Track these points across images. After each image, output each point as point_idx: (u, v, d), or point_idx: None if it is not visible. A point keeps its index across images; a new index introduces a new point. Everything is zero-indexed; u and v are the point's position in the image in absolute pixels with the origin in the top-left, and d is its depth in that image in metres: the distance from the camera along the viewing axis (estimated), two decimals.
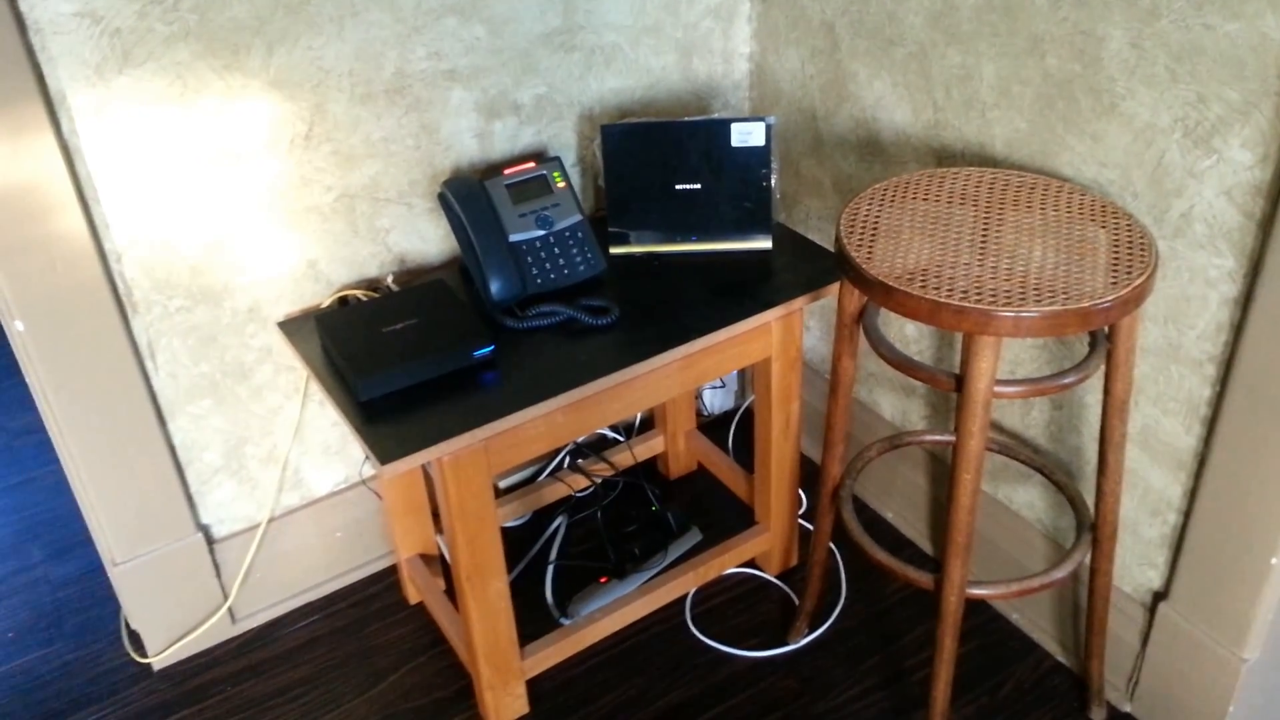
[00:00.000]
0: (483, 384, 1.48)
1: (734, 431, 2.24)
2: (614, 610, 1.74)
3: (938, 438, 1.67)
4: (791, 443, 1.78)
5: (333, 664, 1.78)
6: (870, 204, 1.44)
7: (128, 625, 1.85)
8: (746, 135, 1.66)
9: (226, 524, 1.79)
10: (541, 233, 1.65)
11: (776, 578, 1.90)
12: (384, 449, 1.36)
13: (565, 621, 1.80)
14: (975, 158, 1.61)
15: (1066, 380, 1.36)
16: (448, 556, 1.85)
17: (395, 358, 1.46)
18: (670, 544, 1.93)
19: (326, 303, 1.68)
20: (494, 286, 1.59)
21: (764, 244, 1.72)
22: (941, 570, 1.42)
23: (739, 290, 1.63)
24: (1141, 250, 1.31)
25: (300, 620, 1.86)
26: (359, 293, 1.68)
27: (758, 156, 1.67)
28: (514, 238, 1.63)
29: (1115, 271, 1.28)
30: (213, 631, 1.82)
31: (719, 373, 1.63)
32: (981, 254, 1.33)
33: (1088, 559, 1.60)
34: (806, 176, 1.94)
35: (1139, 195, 1.41)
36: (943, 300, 1.25)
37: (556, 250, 1.65)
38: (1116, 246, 1.32)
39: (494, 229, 1.61)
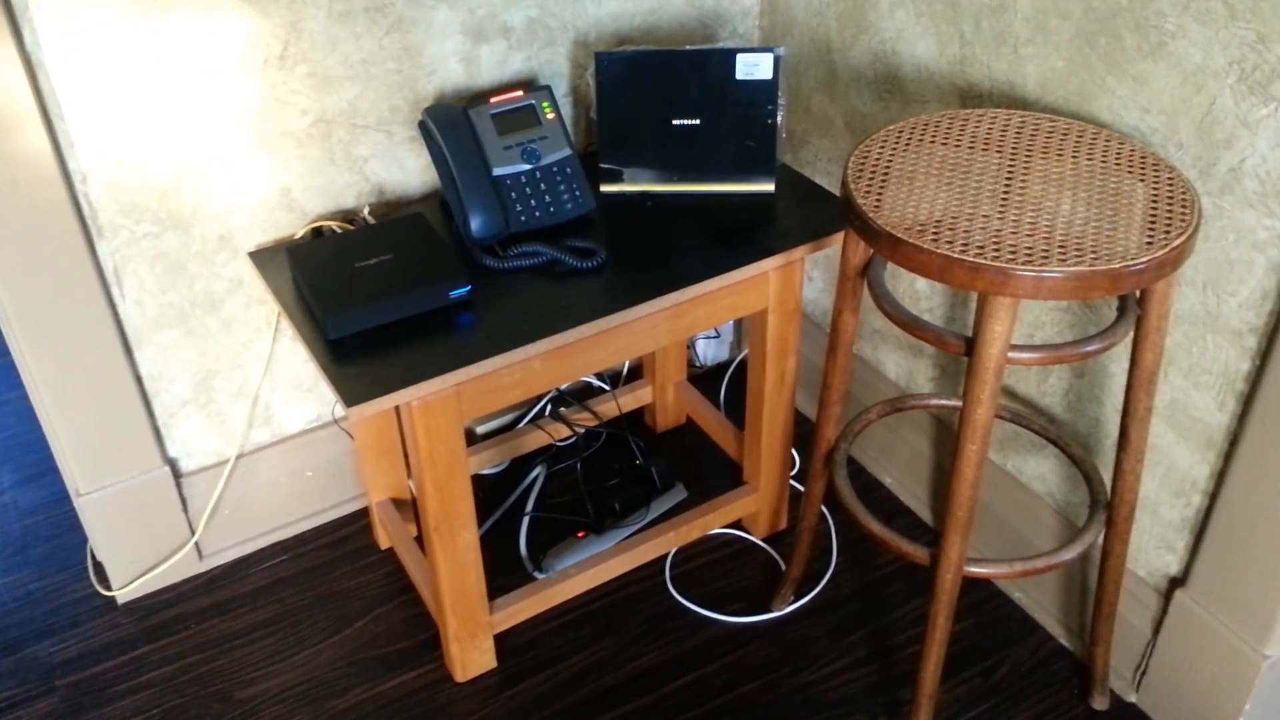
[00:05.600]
0: (458, 326, 1.31)
1: (726, 385, 2.05)
2: (590, 567, 1.59)
3: (944, 402, 1.50)
4: (785, 399, 1.61)
5: (299, 606, 1.64)
6: (883, 147, 1.25)
7: (94, 556, 1.71)
8: (752, 68, 1.47)
9: (194, 458, 1.64)
10: (527, 167, 1.46)
11: (763, 541, 1.73)
12: (351, 390, 1.21)
13: (539, 576, 1.65)
14: (1004, 98, 1.41)
15: (1090, 348, 1.18)
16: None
17: (366, 295, 1.29)
18: (653, 500, 1.77)
19: (300, 234, 1.51)
20: (474, 223, 1.41)
21: (766, 187, 1.53)
22: (939, 545, 1.25)
23: (737, 236, 1.45)
24: (1183, 207, 1.12)
25: (268, 559, 1.72)
26: (334, 224, 1.51)
27: (763, 91, 1.47)
28: (498, 171, 1.45)
29: (1152, 230, 1.09)
30: (179, 567, 1.67)
31: (711, 323, 1.45)
32: (1003, 206, 1.14)
33: (1100, 539, 1.42)
34: (817, 114, 1.74)
35: (1184, 146, 1.21)
36: (955, 255, 1.07)
37: (543, 186, 1.47)
38: (1155, 202, 1.13)
39: (477, 161, 1.43)
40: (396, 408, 1.42)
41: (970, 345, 1.14)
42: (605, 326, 1.32)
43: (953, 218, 1.12)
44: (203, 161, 1.44)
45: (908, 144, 1.26)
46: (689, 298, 1.37)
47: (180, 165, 1.43)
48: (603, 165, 1.53)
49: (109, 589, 1.65)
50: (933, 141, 1.26)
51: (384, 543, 1.73)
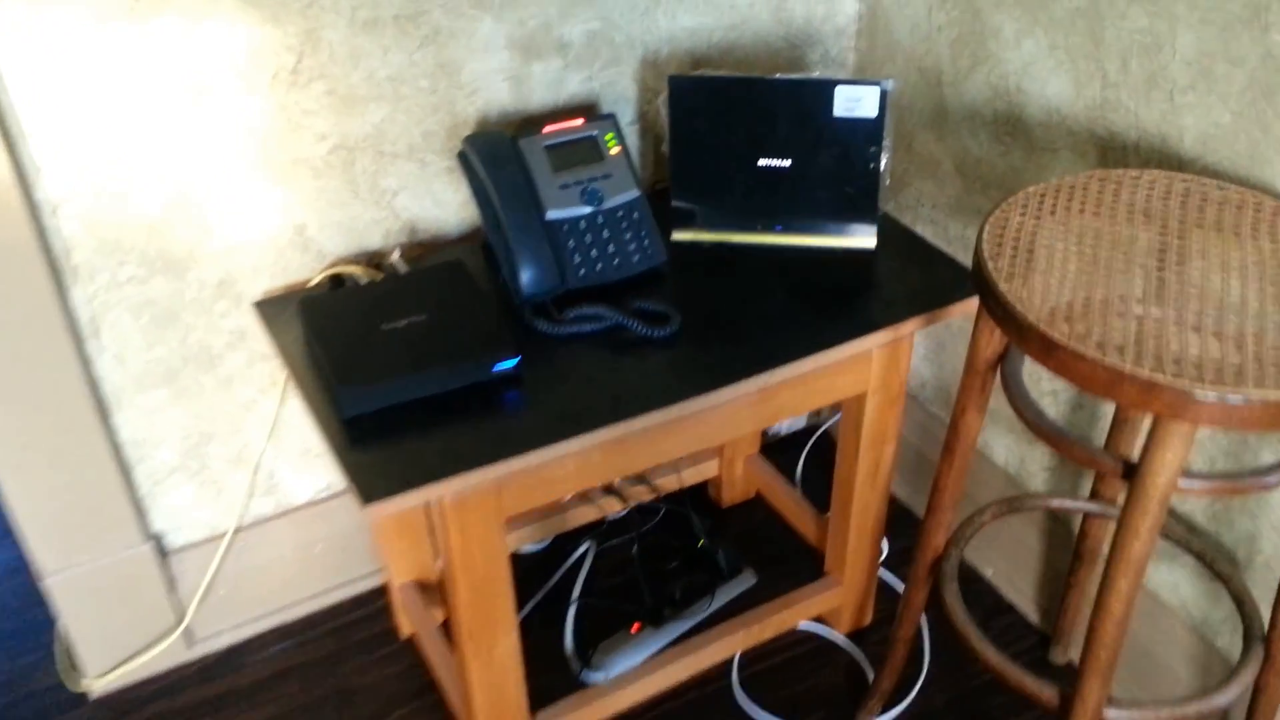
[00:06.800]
0: (502, 405, 1.15)
1: (805, 458, 1.87)
2: (648, 671, 1.43)
3: (1073, 504, 1.33)
4: (879, 490, 1.45)
5: (302, 706, 1.48)
6: (1023, 214, 1.09)
7: (64, 639, 1.55)
8: (854, 103, 1.30)
9: (184, 532, 1.48)
10: (587, 210, 1.30)
11: (846, 637, 1.57)
12: (369, 482, 1.06)
13: (589, 677, 1.48)
14: (1153, 154, 1.24)
15: (1271, 480, 1.02)
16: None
17: (393, 366, 1.14)
18: (719, 588, 1.61)
19: (316, 279, 1.34)
20: (524, 277, 1.25)
21: (866, 242, 1.36)
22: (1073, 687, 1.09)
23: (832, 302, 1.28)
24: None
25: (269, 646, 1.56)
26: (356, 270, 1.34)
27: (867, 131, 1.31)
28: (552, 215, 1.29)
29: None
30: (164, 655, 1.52)
31: (800, 410, 1.29)
32: (1174, 299, 0.98)
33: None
34: (921, 154, 1.57)
35: None
36: (1129, 370, 0.90)
37: (605, 234, 1.31)
38: None
39: (527, 202, 1.27)
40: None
41: (1131, 469, 0.98)
42: (678, 414, 1.16)
43: (1118, 314, 0.96)
44: (200, 192, 1.29)
45: (1051, 210, 1.09)
46: (778, 380, 1.21)
47: (173, 197, 1.28)
48: (675, 206, 1.37)
49: (82, 679, 1.50)
50: (1081, 210, 1.09)
51: (405, 630, 1.58)
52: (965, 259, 1.53)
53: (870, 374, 1.32)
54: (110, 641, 1.48)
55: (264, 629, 1.58)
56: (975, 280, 1.05)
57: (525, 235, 1.27)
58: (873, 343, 1.25)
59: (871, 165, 1.33)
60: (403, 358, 1.15)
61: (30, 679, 1.52)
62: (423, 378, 1.14)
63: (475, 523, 1.14)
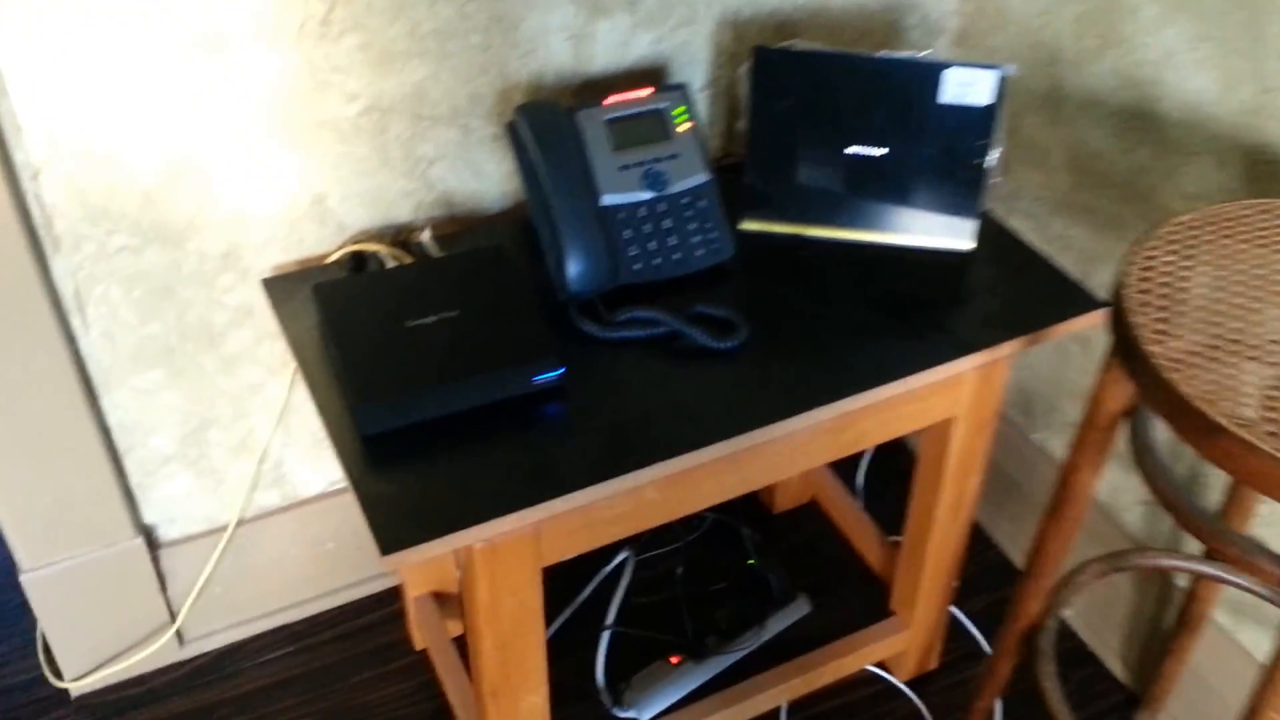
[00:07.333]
0: (542, 423, 1.01)
1: (867, 466, 1.69)
2: (685, 713, 1.29)
3: (1189, 565, 1.17)
4: (961, 525, 1.31)
5: None
6: (1172, 252, 0.93)
7: (45, 634, 1.44)
8: (965, 89, 1.14)
9: (178, 525, 1.36)
10: (648, 196, 1.16)
11: (907, 685, 1.43)
12: (388, 525, 0.91)
13: (621, 714, 1.36)
14: None
15: None
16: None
17: (419, 375, 1.00)
18: (769, 616, 1.46)
19: (335, 256, 1.20)
20: (571, 270, 1.11)
21: (962, 244, 1.21)
22: None
23: (921, 312, 1.13)
24: None
25: (269, 650, 1.44)
26: (380, 248, 1.19)
27: (976, 121, 1.15)
28: (608, 200, 1.14)
29: None
30: (153, 655, 1.41)
31: (880, 439, 1.15)
32: None
33: None
34: (1028, 140, 1.40)
35: None
36: None
37: (667, 223, 1.16)
38: None
39: (581, 185, 1.13)
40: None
41: None
42: (746, 444, 1.01)
43: None
44: (205, 156, 1.14)
45: (1207, 244, 0.94)
46: (859, 406, 1.06)
47: (173, 160, 1.13)
48: (746, 189, 1.22)
49: (62, 679, 1.39)
50: (1243, 249, 0.94)
51: (420, 642, 1.45)
52: (1066, 262, 1.38)
53: (961, 398, 1.17)
54: (94, 641, 1.37)
55: (264, 629, 1.46)
56: (1115, 332, 0.90)
57: (576, 222, 1.11)
58: (966, 365, 1.09)
59: (977, 160, 1.17)
60: (431, 365, 1.01)
61: (8, 670, 1.41)
62: (454, 390, 1.00)
63: (509, 573, 1.01)
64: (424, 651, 1.45)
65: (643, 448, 0.98)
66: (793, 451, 1.10)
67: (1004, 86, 1.14)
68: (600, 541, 1.05)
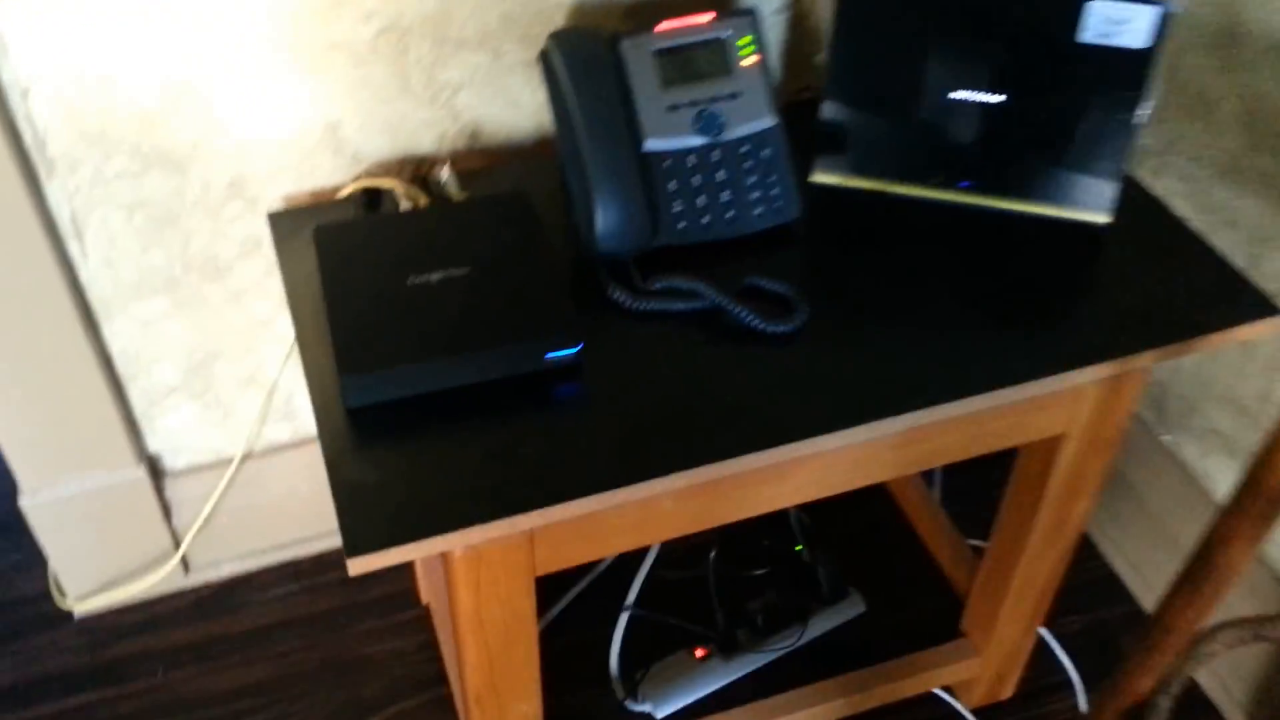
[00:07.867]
0: (551, 407, 0.89)
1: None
2: (706, 714, 1.19)
3: None
4: (1060, 552, 1.15)
5: (301, 673, 1.31)
6: None
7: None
8: (1115, 26, 0.95)
9: (184, 455, 1.30)
10: (701, 141, 1.00)
11: (973, 713, 1.29)
12: (359, 525, 0.79)
13: (634, 708, 1.24)
14: None
15: None
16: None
17: (415, 345, 0.89)
18: (814, 614, 1.31)
19: (347, 190, 1.09)
20: (601, 225, 0.97)
21: (1096, 215, 1.02)
22: None
23: (1034, 302, 0.96)
24: None
25: (275, 585, 1.39)
26: (396, 185, 1.08)
27: (1127, 66, 0.96)
28: (652, 145, 0.99)
29: None
30: (159, 583, 1.37)
31: (965, 455, 0.99)
32: None
33: None
34: (1189, 87, 1.19)
35: None
36: None
37: (721, 174, 1.01)
38: None
39: (620, 127, 0.98)
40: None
41: None
42: (792, 454, 0.87)
43: None
44: (208, 79, 1.04)
45: None
46: (940, 418, 0.90)
47: (174, 82, 1.03)
48: (821, 135, 1.04)
49: (64, 599, 1.35)
50: None
51: (424, 596, 1.38)
52: (1229, 241, 1.18)
53: (1078, 415, 1.00)
54: (97, 565, 1.33)
55: (271, 563, 1.41)
56: None
57: (610, 170, 0.97)
58: (1090, 376, 0.92)
59: (1124, 115, 0.98)
60: (430, 332, 0.90)
61: (16, 586, 1.38)
62: (453, 364, 0.89)
63: (496, 581, 0.90)
64: (427, 606, 1.38)
65: (664, 451, 0.85)
66: (846, 466, 0.96)
67: (1167, 26, 0.94)
68: (605, 553, 0.94)
